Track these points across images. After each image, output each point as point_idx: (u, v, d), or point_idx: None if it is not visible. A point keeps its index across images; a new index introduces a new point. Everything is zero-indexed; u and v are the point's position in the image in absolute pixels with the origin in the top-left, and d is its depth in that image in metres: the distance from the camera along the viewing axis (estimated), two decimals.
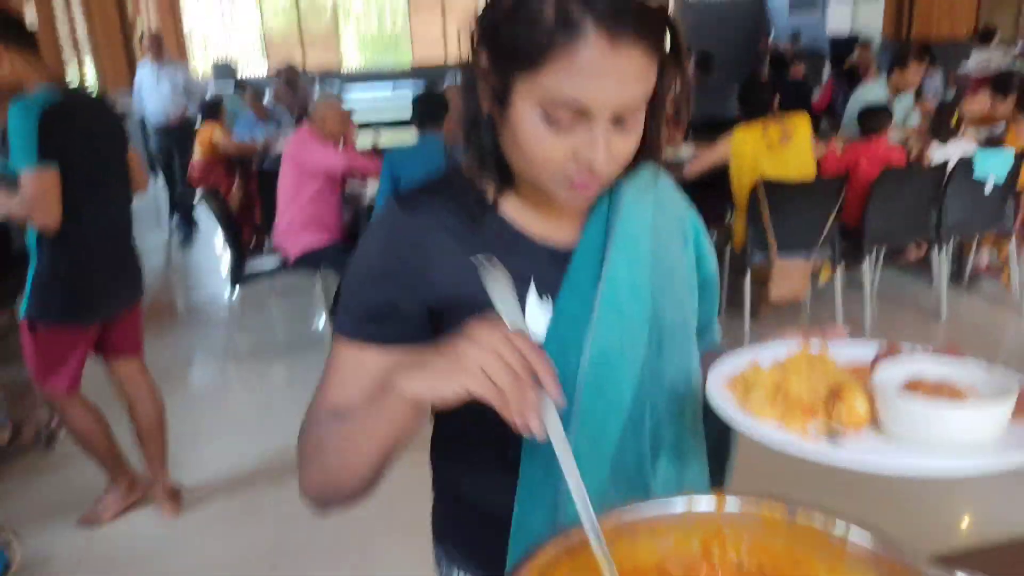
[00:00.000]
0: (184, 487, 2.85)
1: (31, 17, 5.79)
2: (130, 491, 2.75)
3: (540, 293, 0.84)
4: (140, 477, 2.78)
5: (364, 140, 5.76)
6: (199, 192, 4.38)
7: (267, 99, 6.88)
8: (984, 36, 8.30)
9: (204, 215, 4.26)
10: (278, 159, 4.60)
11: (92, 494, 2.76)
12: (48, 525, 2.71)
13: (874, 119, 4.08)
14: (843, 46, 9.87)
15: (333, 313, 4.06)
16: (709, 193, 3.90)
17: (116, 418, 2.72)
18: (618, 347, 0.85)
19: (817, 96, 7.59)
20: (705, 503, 0.75)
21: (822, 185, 3.77)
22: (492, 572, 0.90)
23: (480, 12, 0.78)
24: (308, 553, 2.54)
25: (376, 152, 4.86)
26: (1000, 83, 4.75)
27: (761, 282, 3.93)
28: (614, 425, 0.86)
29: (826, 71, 9.23)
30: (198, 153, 5.73)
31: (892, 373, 0.73)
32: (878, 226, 3.90)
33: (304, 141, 3.95)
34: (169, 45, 6.74)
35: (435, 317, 0.84)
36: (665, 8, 0.73)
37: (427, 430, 0.95)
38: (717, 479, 1.02)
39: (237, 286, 4.10)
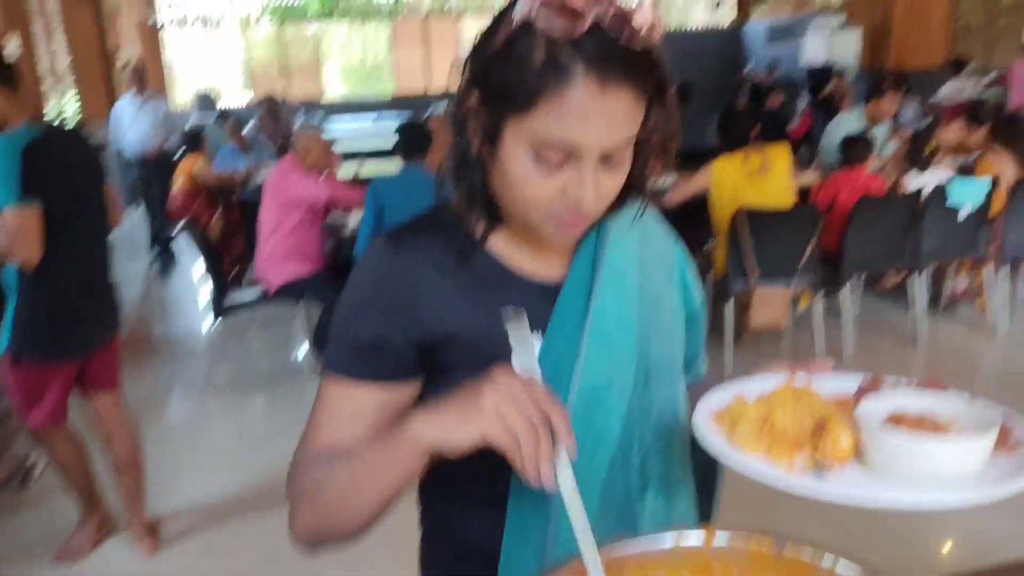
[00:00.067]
0: (163, 520, 2.81)
1: (13, 48, 5.78)
2: (101, 526, 2.73)
3: (529, 327, 0.84)
4: (112, 513, 2.76)
5: (347, 170, 5.77)
6: (179, 223, 4.37)
7: (248, 129, 6.89)
8: (956, 66, 8.50)
9: (184, 246, 4.24)
10: (259, 189, 4.60)
11: (69, 530, 2.71)
12: (25, 562, 2.66)
13: (855, 149, 4.15)
14: (819, 76, 10.06)
15: (315, 344, 4.06)
16: (690, 221, 3.93)
17: (92, 452, 2.68)
18: (606, 381, 0.85)
19: (794, 125, 7.72)
20: (694, 538, 0.75)
21: (801, 213, 3.82)
22: None
23: (470, 51, 0.79)
24: None
25: (359, 182, 4.88)
26: (973, 113, 4.86)
27: (742, 309, 3.96)
28: (602, 458, 0.86)
29: (803, 101, 9.39)
30: (178, 184, 5.71)
31: (875, 406, 0.73)
32: (856, 253, 3.95)
33: (286, 172, 3.95)
34: (150, 76, 6.74)
35: (424, 353, 0.84)
36: (652, 50, 0.74)
37: None
38: (705, 512, 1.02)
39: (218, 318, 4.07)
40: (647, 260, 0.93)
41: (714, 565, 0.75)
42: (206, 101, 10.72)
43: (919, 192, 4.01)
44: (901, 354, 4.16)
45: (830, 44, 11.34)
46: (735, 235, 3.73)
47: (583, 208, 0.76)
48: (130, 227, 6.72)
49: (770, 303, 3.82)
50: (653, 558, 0.75)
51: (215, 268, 4.06)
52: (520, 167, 0.76)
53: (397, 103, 12.72)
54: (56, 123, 2.73)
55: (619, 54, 0.71)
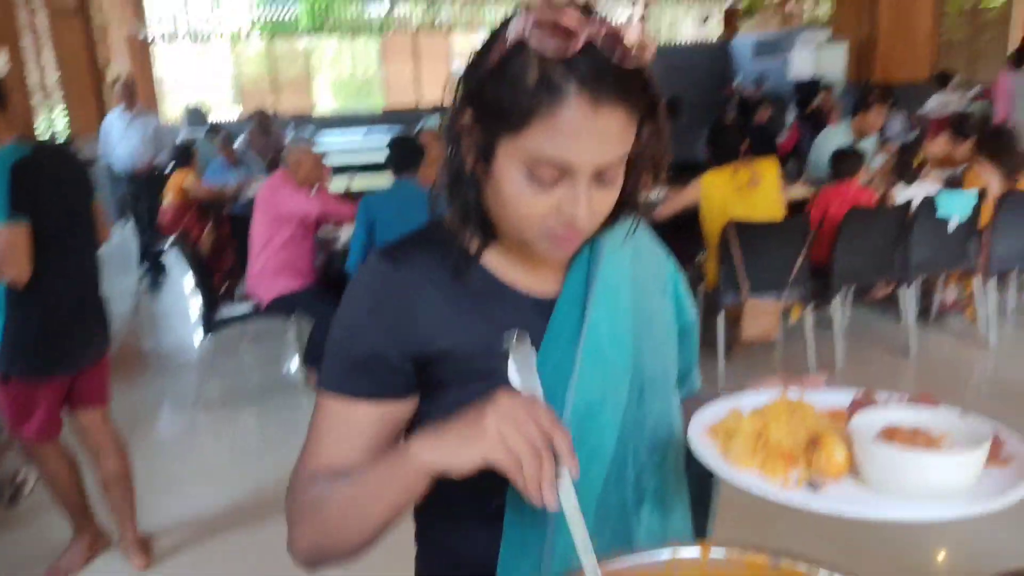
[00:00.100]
0: (154, 536, 2.79)
1: (1, 64, 5.77)
2: (94, 543, 2.70)
3: None
4: (104, 530, 2.73)
5: (337, 184, 5.78)
6: (169, 238, 4.36)
7: (239, 143, 6.89)
8: (941, 80, 8.60)
9: (174, 261, 4.24)
10: (250, 203, 4.60)
11: (58, 548, 2.69)
12: None
13: (846, 163, 4.19)
14: (807, 89, 10.15)
15: (306, 359, 4.04)
16: (680, 234, 3.96)
17: (83, 469, 2.66)
18: (600, 396, 0.85)
19: (783, 139, 7.78)
20: (690, 553, 0.76)
21: (791, 226, 3.85)
22: None
23: (464, 70, 0.80)
24: None
25: (350, 196, 4.88)
26: (958, 127, 4.91)
27: (734, 321, 3.97)
28: (597, 473, 0.86)
29: (791, 114, 9.47)
30: (168, 199, 5.70)
31: (868, 420, 0.74)
32: (846, 265, 3.97)
33: (277, 187, 3.95)
34: (140, 91, 6.74)
35: (420, 368, 0.85)
36: (644, 69, 0.75)
37: None
38: (700, 526, 1.02)
39: (208, 334, 4.05)
40: (640, 275, 0.93)
41: None
42: (196, 116, 10.72)
43: (908, 204, 4.05)
44: (892, 365, 4.18)
45: (817, 58, 11.46)
46: (726, 248, 3.75)
47: (576, 225, 0.77)
48: (120, 242, 6.70)
49: (761, 315, 3.83)
50: (649, 573, 0.75)
51: (205, 283, 4.05)
52: (514, 185, 0.76)
53: (387, 117, 12.76)
54: (45, 139, 2.72)
55: (612, 73, 0.72)
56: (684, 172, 4.21)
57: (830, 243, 3.94)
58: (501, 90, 0.74)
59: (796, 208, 4.21)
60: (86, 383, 2.55)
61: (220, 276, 5.37)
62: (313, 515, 0.82)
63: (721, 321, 3.88)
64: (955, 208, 4.03)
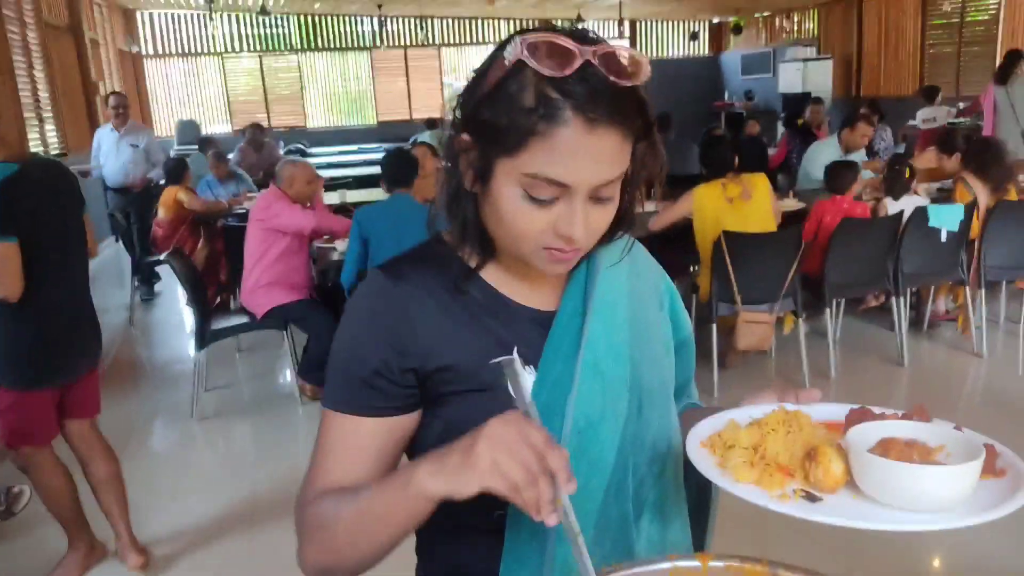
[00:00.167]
0: (150, 548, 2.79)
1: None
2: (90, 554, 2.69)
3: (523, 359, 0.86)
4: (99, 541, 2.73)
5: (330, 199, 5.79)
6: (163, 252, 4.35)
7: (232, 157, 6.89)
8: (928, 94, 8.69)
9: (168, 274, 4.24)
10: (243, 216, 4.60)
11: (54, 560, 2.68)
12: None
13: (841, 177, 4.22)
14: (795, 103, 10.24)
15: (300, 371, 4.03)
16: (673, 247, 3.99)
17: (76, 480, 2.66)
18: (600, 410, 0.86)
19: (772, 153, 7.83)
20: (690, 564, 0.76)
21: (783, 237, 3.87)
22: None
23: (461, 93, 0.82)
24: None
25: (344, 210, 4.89)
26: (945, 141, 4.96)
27: (728, 332, 3.99)
28: (597, 486, 0.87)
29: (779, 128, 9.55)
30: (162, 213, 5.69)
31: (864, 433, 0.75)
32: (838, 276, 4.00)
33: (271, 202, 3.95)
34: (132, 107, 6.74)
35: (421, 382, 0.86)
36: (639, 90, 0.77)
37: None
38: (699, 536, 1.03)
39: (203, 347, 4.03)
40: (637, 290, 0.95)
41: None
42: (189, 130, 10.73)
43: (899, 215, 4.08)
44: (885, 374, 4.20)
45: (804, 73, 11.57)
46: (719, 259, 3.77)
47: (574, 242, 0.78)
48: (113, 256, 6.68)
49: (755, 326, 3.85)
50: None
51: (199, 297, 4.04)
52: (511, 203, 0.78)
53: (379, 131, 12.80)
54: (36, 156, 2.74)
55: (607, 94, 0.73)
56: (675, 185, 4.25)
57: (822, 254, 3.97)
58: (499, 111, 0.75)
59: (791, 220, 4.24)
60: (78, 393, 2.57)
61: (214, 290, 5.37)
62: (320, 534, 0.83)
63: (715, 332, 3.89)
64: (944, 221, 4.07)
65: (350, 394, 0.86)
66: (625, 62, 0.75)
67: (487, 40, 14.17)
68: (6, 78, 5.92)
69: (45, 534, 2.80)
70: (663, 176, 0.86)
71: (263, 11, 10.51)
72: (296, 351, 4.13)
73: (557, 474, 0.68)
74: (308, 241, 4.11)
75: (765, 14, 14.26)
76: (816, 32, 13.10)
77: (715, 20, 15.20)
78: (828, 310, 4.10)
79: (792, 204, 4.71)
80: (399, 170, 3.85)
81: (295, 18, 13.14)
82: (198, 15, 12.49)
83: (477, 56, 14.10)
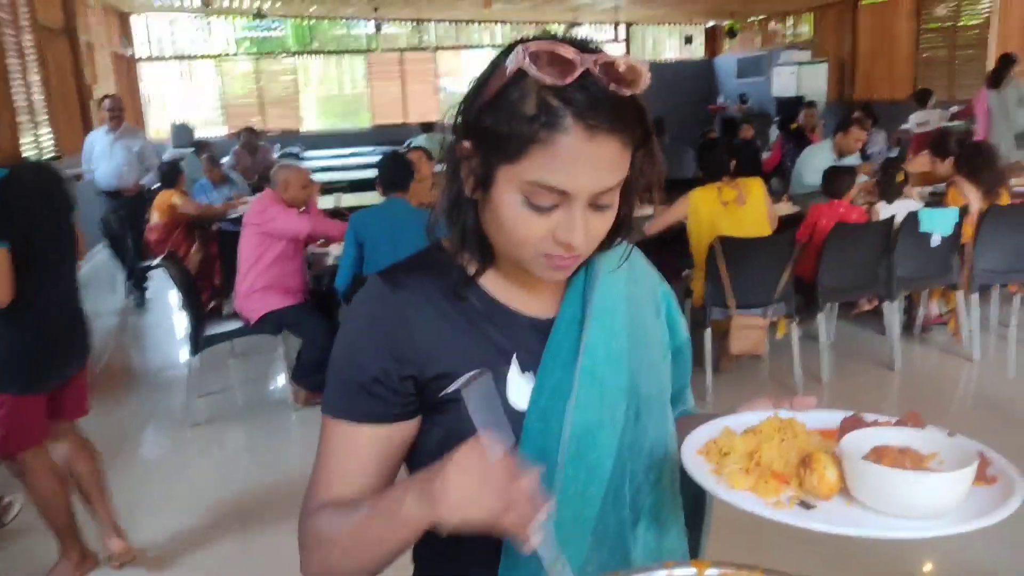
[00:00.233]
0: (141, 556, 2.79)
1: None
2: (81, 563, 2.68)
3: (522, 365, 0.86)
4: (91, 551, 2.72)
5: (325, 203, 5.79)
6: (156, 256, 4.35)
7: (226, 162, 6.88)
8: (921, 98, 8.73)
9: (162, 279, 4.23)
10: (237, 221, 4.59)
11: (46, 568, 2.67)
12: None
13: (838, 181, 4.24)
14: (789, 106, 10.28)
15: (294, 376, 4.02)
16: (668, 250, 4.00)
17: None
18: (598, 416, 0.87)
19: (766, 156, 7.86)
20: (685, 571, 0.77)
21: (777, 242, 3.89)
22: None
23: (462, 100, 0.82)
24: None
25: (339, 214, 4.89)
26: (938, 146, 4.98)
27: (721, 336, 4.00)
28: (595, 493, 0.87)
29: (773, 131, 9.57)
30: (156, 217, 5.68)
31: (857, 440, 0.76)
32: (831, 281, 4.02)
33: (266, 206, 3.95)
34: (126, 110, 6.73)
35: (420, 389, 0.86)
36: (638, 98, 0.77)
37: None
38: (694, 543, 1.04)
39: (196, 352, 4.02)
40: (634, 297, 0.95)
41: None
42: (183, 134, 10.71)
43: (892, 219, 4.10)
44: (878, 378, 4.22)
45: (798, 77, 11.61)
46: (712, 264, 3.78)
47: (573, 249, 0.79)
48: (106, 260, 6.66)
49: (748, 330, 3.86)
50: None
51: (193, 301, 4.03)
52: (512, 210, 0.78)
53: (374, 135, 12.80)
54: (26, 160, 2.76)
55: (608, 103, 0.74)
56: (670, 189, 4.26)
57: (816, 258, 3.98)
58: (500, 119, 0.76)
59: (787, 224, 4.25)
60: (67, 394, 2.59)
61: (208, 294, 5.36)
62: (319, 549, 0.84)
63: (708, 336, 3.90)
64: (937, 225, 4.09)
65: (349, 401, 0.86)
66: (625, 71, 0.75)
67: (483, 44, 14.19)
68: (0, 80, 5.91)
69: (34, 544, 2.80)
70: (661, 183, 0.87)
71: (258, 14, 10.51)
72: (290, 356, 4.12)
73: (530, 497, 0.69)
74: (303, 246, 4.11)
75: (760, 17, 14.32)
76: (810, 36, 13.16)
77: (710, 24, 15.25)
78: (821, 314, 4.11)
79: (786, 208, 4.72)
80: (395, 174, 3.85)
81: (291, 21, 13.14)
82: (194, 18, 12.48)
83: (473, 60, 14.13)
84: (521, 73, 0.75)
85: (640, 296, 0.97)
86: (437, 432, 0.87)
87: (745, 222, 3.88)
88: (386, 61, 13.60)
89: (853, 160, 5.27)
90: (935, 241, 4.10)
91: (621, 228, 0.87)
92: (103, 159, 6.15)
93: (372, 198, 4.88)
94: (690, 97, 13.40)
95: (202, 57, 12.86)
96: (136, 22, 12.17)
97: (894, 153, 7.64)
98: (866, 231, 4.13)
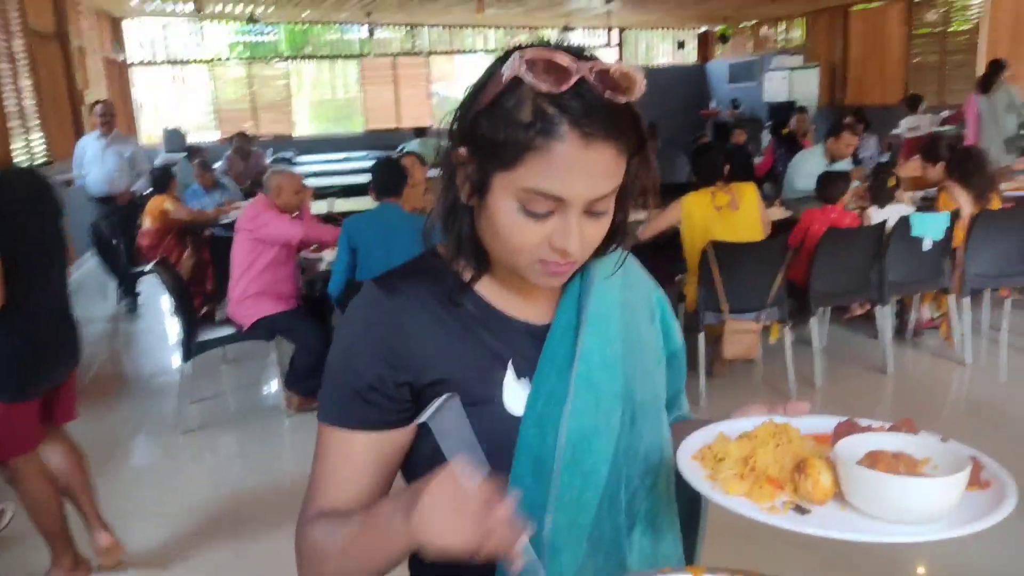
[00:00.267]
0: (134, 564, 2.78)
1: None
2: (73, 570, 2.67)
3: (518, 371, 0.87)
4: (83, 557, 2.71)
5: (318, 207, 5.78)
6: (148, 262, 4.33)
7: (218, 167, 6.86)
8: (912, 103, 8.78)
9: (153, 284, 4.22)
10: (229, 226, 4.57)
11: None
12: None
13: (833, 187, 4.25)
14: (781, 111, 10.33)
15: (287, 382, 4.01)
16: (661, 255, 4.00)
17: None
18: (594, 423, 0.87)
19: (759, 161, 7.90)
20: None
21: (769, 246, 3.90)
22: None
23: (458, 107, 0.83)
24: None
25: (332, 219, 4.88)
26: (929, 151, 5.01)
27: (715, 341, 4.01)
28: (591, 499, 0.87)
29: (765, 136, 9.62)
30: (148, 223, 5.67)
31: (852, 445, 0.76)
32: (823, 285, 4.03)
33: (259, 212, 3.94)
34: (118, 115, 6.71)
35: (416, 396, 0.86)
36: (633, 107, 0.78)
37: None
38: (689, 548, 1.04)
39: (188, 358, 4.01)
40: (629, 303, 0.95)
41: None
42: (175, 139, 10.68)
43: (883, 224, 4.12)
44: (871, 382, 4.23)
45: (790, 82, 11.67)
46: (706, 268, 3.79)
47: (569, 255, 0.79)
48: (96, 266, 6.63)
49: (741, 335, 3.87)
50: None
51: (185, 307, 4.02)
52: (507, 217, 0.78)
53: (367, 140, 12.79)
54: (14, 166, 2.76)
55: (603, 110, 0.75)
56: (662, 194, 4.26)
57: (808, 263, 4.00)
58: (496, 126, 0.76)
59: (780, 229, 4.26)
60: (57, 399, 2.59)
61: (200, 300, 5.34)
62: (315, 561, 0.85)
63: (702, 340, 3.91)
64: (928, 230, 4.11)
65: (344, 408, 0.86)
66: (620, 78, 0.76)
67: (476, 49, 14.21)
68: None
69: (27, 552, 2.78)
70: (656, 189, 0.87)
71: (251, 19, 10.50)
72: (283, 362, 4.11)
73: (501, 523, 0.69)
74: (296, 251, 4.10)
75: (752, 23, 14.39)
76: (802, 41, 13.23)
77: (702, 29, 15.31)
78: (813, 319, 4.12)
79: (779, 213, 4.74)
80: (388, 179, 3.85)
81: (283, 26, 13.13)
82: (186, 23, 12.46)
83: (466, 64, 14.15)
84: (517, 80, 0.75)
85: (635, 302, 0.97)
86: (433, 438, 0.87)
87: (739, 227, 3.89)
88: (379, 66, 13.60)
89: (845, 165, 5.29)
90: (927, 245, 4.12)
91: (616, 234, 0.88)
92: (94, 165, 6.12)
93: (365, 203, 4.88)
94: (682, 102, 13.45)
95: (195, 62, 12.83)
96: (128, 27, 12.14)
97: (885, 158, 7.70)
98: (858, 236, 4.15)
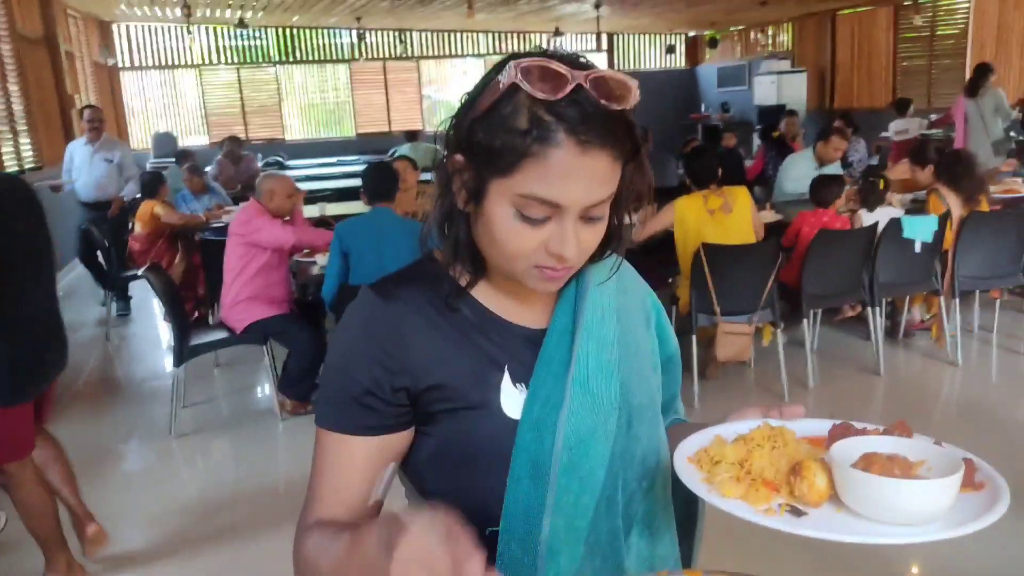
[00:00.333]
0: (128, 567, 2.78)
1: None
2: (67, 574, 2.66)
3: (515, 375, 0.87)
4: (77, 562, 2.70)
5: (309, 211, 5.76)
6: (139, 267, 4.31)
7: (209, 171, 6.83)
8: (900, 106, 8.84)
9: (145, 289, 4.20)
10: (221, 230, 4.56)
11: None
12: None
13: (826, 190, 4.28)
14: (771, 115, 10.38)
15: (280, 386, 3.99)
16: (653, 258, 4.02)
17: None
18: (590, 427, 0.87)
19: (749, 164, 7.93)
20: None
21: (761, 249, 3.92)
22: None
23: (454, 114, 0.83)
24: None
25: (324, 223, 4.87)
26: (918, 154, 5.04)
27: (708, 343, 4.03)
28: (588, 503, 0.88)
29: (755, 139, 9.66)
30: (139, 227, 5.64)
31: (846, 448, 0.77)
32: (815, 288, 4.05)
33: (251, 216, 3.93)
34: (107, 120, 6.68)
35: (413, 401, 0.86)
36: (628, 114, 0.79)
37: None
38: (686, 551, 1.04)
39: (181, 363, 3.99)
40: (624, 308, 0.96)
41: None
42: (165, 143, 10.64)
43: (875, 226, 4.15)
44: (863, 383, 4.25)
45: (779, 86, 11.72)
46: (698, 271, 3.81)
47: (565, 261, 0.80)
48: (85, 271, 6.60)
49: (734, 337, 3.89)
50: None
51: (176, 313, 4.00)
52: (504, 223, 0.79)
53: (358, 144, 12.79)
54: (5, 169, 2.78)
55: (599, 117, 0.75)
56: (656, 197, 4.28)
57: (800, 265, 4.02)
58: (493, 133, 0.77)
59: (771, 232, 4.29)
60: (43, 402, 2.61)
61: (192, 304, 5.32)
62: (306, 574, 0.84)
63: (695, 343, 3.92)
64: (918, 232, 4.14)
65: (341, 413, 0.86)
66: (615, 86, 0.77)
67: (466, 53, 14.22)
68: None
69: (22, 559, 2.77)
70: (652, 195, 0.88)
71: (241, 23, 10.48)
72: (276, 366, 4.10)
73: (470, 566, 0.64)
74: (288, 256, 4.09)
75: (740, 28, 14.45)
76: (790, 45, 13.30)
77: (691, 33, 15.37)
78: (805, 321, 4.15)
79: (770, 216, 4.76)
80: (380, 184, 3.85)
81: (273, 30, 13.11)
82: (175, 27, 12.42)
83: (456, 69, 14.15)
84: (514, 88, 0.76)
85: (630, 307, 0.98)
86: (430, 443, 0.87)
87: (731, 230, 3.91)
88: (369, 70, 13.60)
89: (834, 169, 5.33)
90: (917, 247, 4.15)
91: (612, 240, 0.88)
92: (83, 170, 6.09)
93: (357, 207, 4.87)
94: (672, 106, 13.49)
95: (184, 66, 12.80)
96: (117, 31, 12.10)
97: (875, 161, 7.74)
98: (849, 238, 4.18)
